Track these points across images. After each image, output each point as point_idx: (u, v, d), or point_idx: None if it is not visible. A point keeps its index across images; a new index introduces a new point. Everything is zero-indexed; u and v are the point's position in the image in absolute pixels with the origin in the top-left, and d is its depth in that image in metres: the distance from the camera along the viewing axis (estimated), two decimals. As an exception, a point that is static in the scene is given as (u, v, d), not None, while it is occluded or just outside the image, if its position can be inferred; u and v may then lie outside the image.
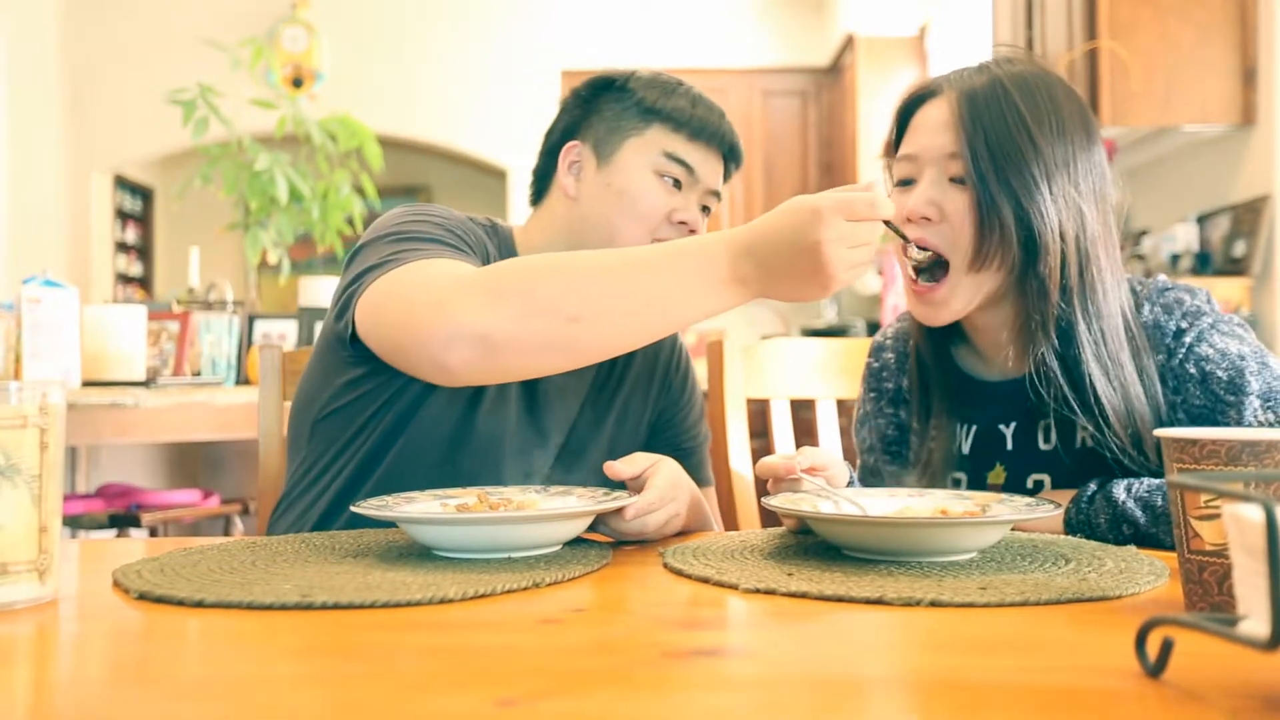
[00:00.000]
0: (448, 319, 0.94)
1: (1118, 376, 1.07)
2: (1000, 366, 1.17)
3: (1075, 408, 1.07)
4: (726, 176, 1.29)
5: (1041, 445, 1.14)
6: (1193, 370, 1.06)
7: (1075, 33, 2.85)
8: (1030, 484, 1.14)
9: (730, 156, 1.27)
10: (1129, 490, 1.01)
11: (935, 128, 1.09)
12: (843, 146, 5.09)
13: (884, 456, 1.27)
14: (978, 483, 1.17)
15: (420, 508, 0.95)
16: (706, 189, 1.24)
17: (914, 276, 1.11)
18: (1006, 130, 1.06)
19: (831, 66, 5.35)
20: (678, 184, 1.22)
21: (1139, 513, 0.99)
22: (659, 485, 0.99)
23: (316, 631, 0.67)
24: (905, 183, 1.12)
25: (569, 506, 0.96)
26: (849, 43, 4.94)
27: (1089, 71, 2.77)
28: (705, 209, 1.26)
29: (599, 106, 1.25)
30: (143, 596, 0.75)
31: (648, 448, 1.28)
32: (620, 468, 1.00)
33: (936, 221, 1.08)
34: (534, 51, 5.62)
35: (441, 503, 0.98)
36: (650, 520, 0.98)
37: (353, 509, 0.91)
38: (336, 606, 0.71)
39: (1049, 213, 1.05)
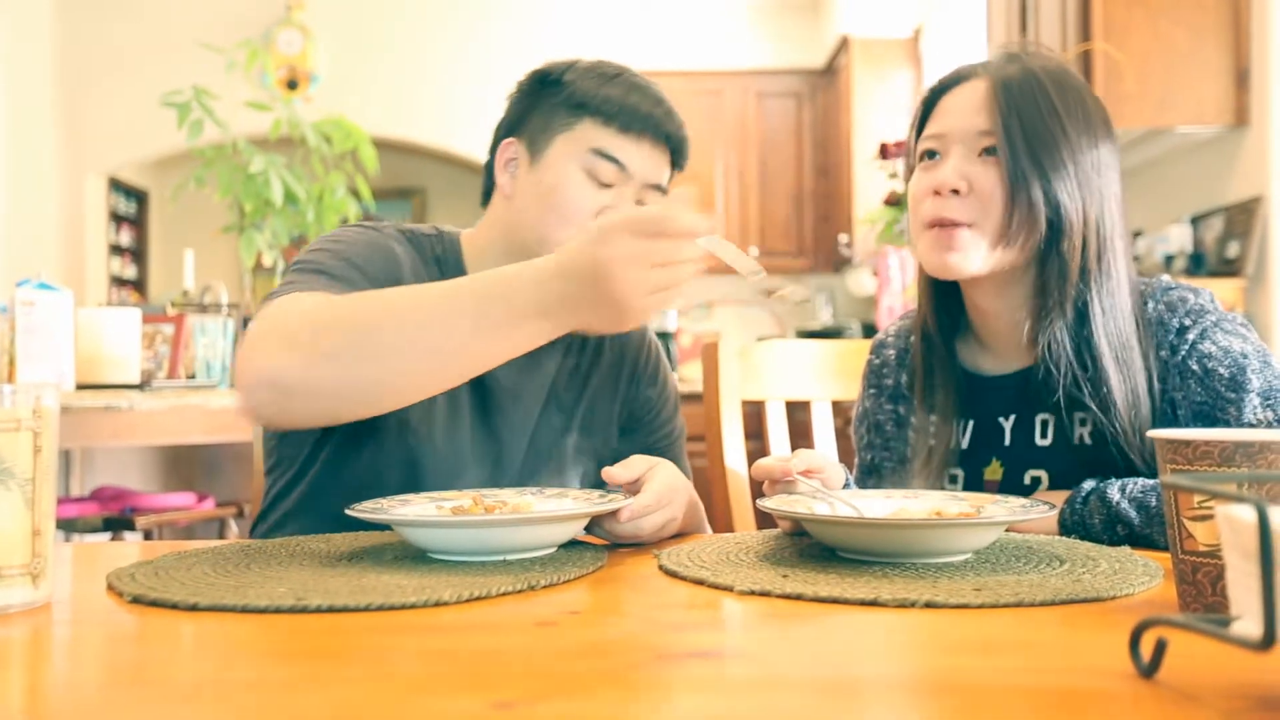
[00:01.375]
0: (249, 363, 0.94)
1: (1126, 362, 1.09)
2: (1004, 358, 1.18)
3: (1085, 390, 1.08)
4: (678, 166, 1.22)
5: (1039, 441, 1.14)
6: (1195, 366, 1.07)
7: (1069, 34, 2.85)
8: (1028, 480, 1.14)
9: (672, 147, 1.19)
10: (1123, 491, 1.01)
11: (967, 107, 1.12)
12: (837, 148, 5.10)
13: (883, 452, 1.28)
14: (974, 479, 1.17)
15: (415, 510, 0.95)
16: (645, 184, 1.17)
17: (935, 225, 1.11)
18: (1039, 113, 1.09)
19: (826, 68, 5.36)
20: (611, 183, 1.15)
21: (1133, 513, 0.99)
22: (655, 489, 0.99)
23: (313, 634, 0.67)
24: (930, 155, 1.14)
25: (563, 509, 0.96)
26: (844, 44, 4.95)
27: (1083, 73, 2.77)
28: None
29: (534, 103, 1.19)
30: (137, 600, 0.75)
31: (621, 448, 1.27)
32: (617, 472, 1.00)
33: (965, 194, 1.10)
34: (530, 53, 5.61)
35: (436, 505, 0.98)
36: (645, 524, 0.98)
37: (347, 512, 0.91)
38: (331, 609, 0.71)
39: (1075, 194, 1.08)
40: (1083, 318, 1.09)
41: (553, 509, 0.97)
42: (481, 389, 1.18)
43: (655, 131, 1.16)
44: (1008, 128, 1.08)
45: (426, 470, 1.15)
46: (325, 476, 1.16)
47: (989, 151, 1.10)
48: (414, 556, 0.90)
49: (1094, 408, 1.08)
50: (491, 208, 1.24)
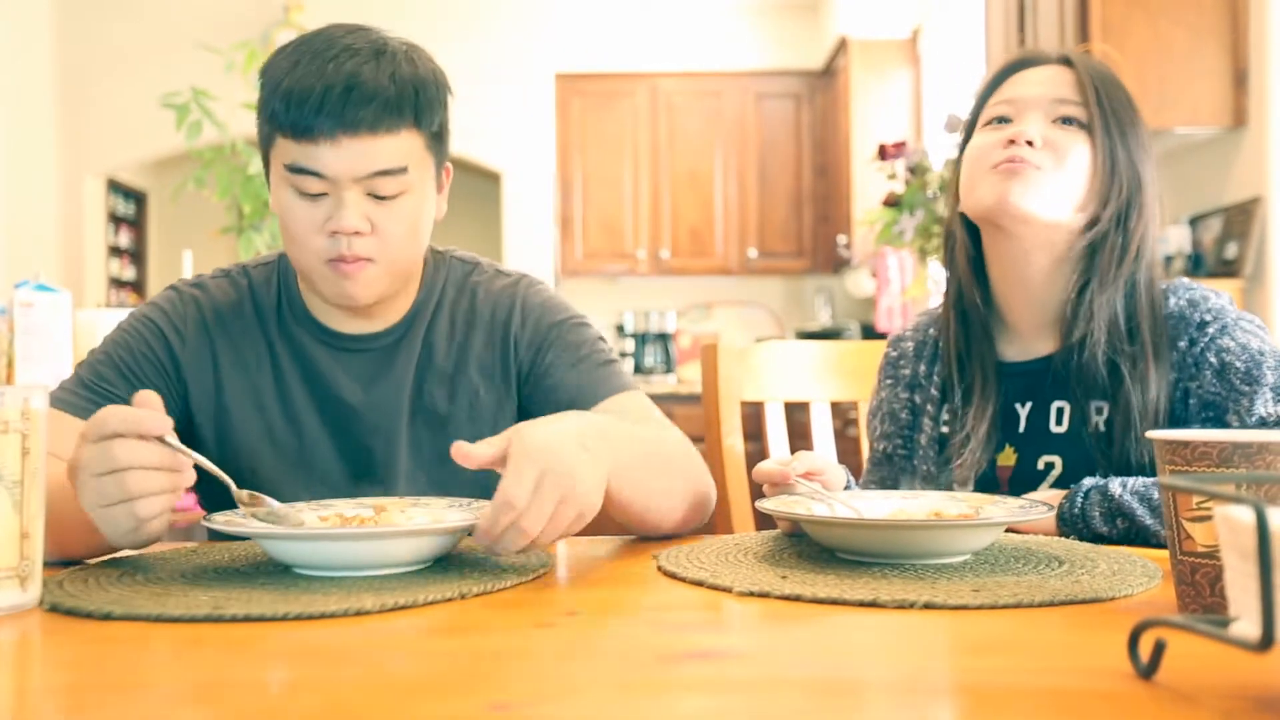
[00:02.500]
0: None
1: (1158, 345, 1.11)
2: (1027, 343, 1.19)
3: (1123, 367, 1.11)
4: (420, 125, 1.04)
5: (1054, 427, 1.15)
6: (1212, 359, 1.09)
7: (1067, 35, 2.85)
8: (1041, 465, 1.16)
9: (377, 121, 1.00)
10: (1125, 486, 1.02)
11: (1044, 79, 1.16)
12: (836, 149, 5.09)
13: (896, 440, 1.28)
14: (988, 467, 1.18)
15: (259, 525, 0.88)
16: (357, 178, 1.01)
17: (1005, 162, 1.12)
18: (1121, 97, 1.15)
19: (825, 69, 5.35)
20: (323, 192, 1.02)
21: (1136, 505, 1.00)
22: (506, 485, 0.78)
23: (309, 637, 0.67)
24: (1001, 120, 1.17)
25: (414, 524, 0.90)
26: (842, 45, 4.95)
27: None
28: (383, 196, 1.03)
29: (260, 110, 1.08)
30: (54, 609, 0.74)
31: (536, 408, 1.14)
32: (470, 450, 0.81)
33: (1039, 148, 1.13)
34: (527, 54, 5.62)
35: (319, 515, 0.93)
36: (510, 538, 0.79)
37: (203, 522, 0.90)
38: (248, 619, 0.70)
39: (1150, 174, 1.15)
40: (1130, 296, 1.13)
41: (421, 523, 0.90)
42: (333, 407, 1.15)
43: (340, 122, 0.99)
44: (1099, 101, 1.13)
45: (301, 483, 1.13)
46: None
47: (1066, 121, 1.13)
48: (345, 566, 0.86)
49: (1122, 389, 1.10)
50: None
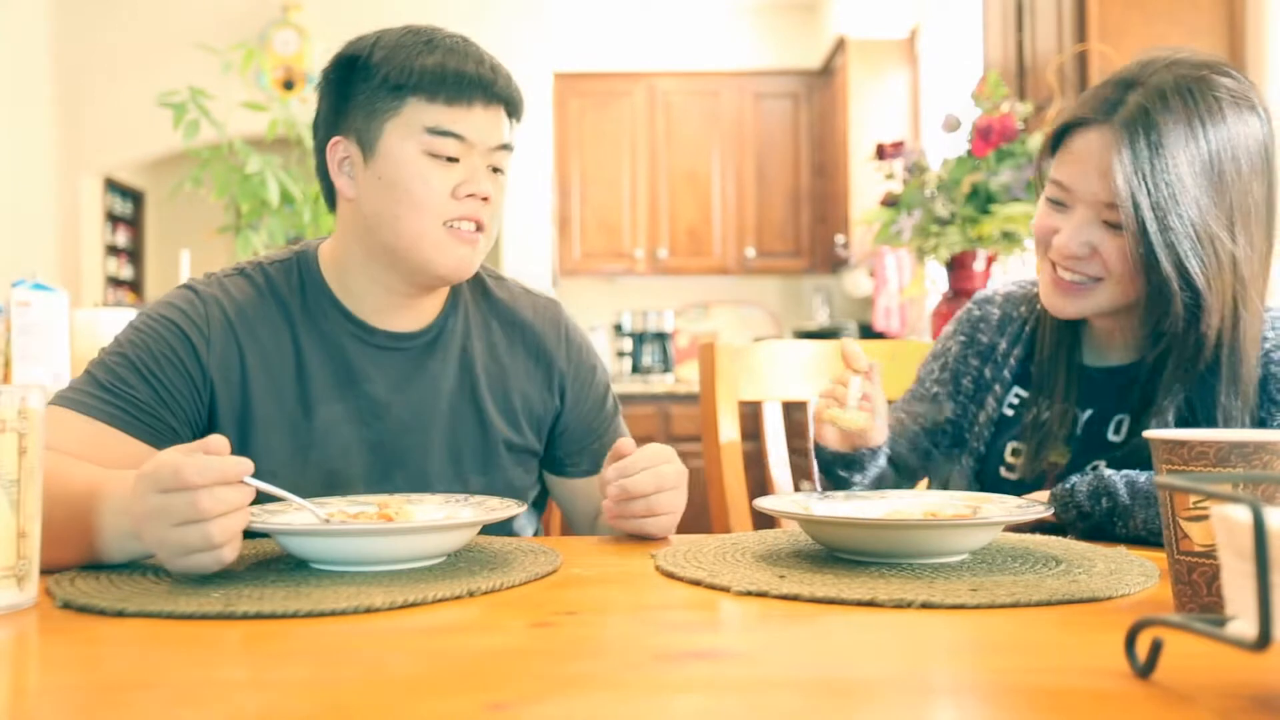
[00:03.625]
0: None
1: (1242, 407, 1.08)
2: (1105, 354, 1.19)
3: (1182, 414, 1.09)
4: (516, 118, 1.15)
5: (1111, 436, 1.16)
6: (1265, 374, 1.09)
7: (1065, 35, 2.86)
8: (1088, 469, 1.16)
9: (506, 104, 1.12)
10: (1118, 470, 1.04)
11: (1091, 168, 1.07)
12: (834, 149, 5.09)
13: (946, 390, 1.27)
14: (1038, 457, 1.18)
15: (286, 519, 0.89)
16: (490, 148, 1.11)
17: (1061, 276, 1.11)
18: (1168, 176, 1.02)
19: (823, 69, 5.35)
20: (455, 156, 1.09)
21: (1120, 485, 1.01)
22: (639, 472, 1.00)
23: (317, 634, 0.67)
24: (1056, 203, 1.12)
25: (431, 520, 0.91)
26: (840, 45, 4.95)
27: (1079, 74, 2.78)
28: (497, 169, 1.12)
29: (350, 90, 1.11)
30: (66, 605, 0.74)
31: (553, 452, 1.25)
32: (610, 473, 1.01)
33: (1088, 258, 1.09)
34: (526, 54, 5.61)
35: (328, 513, 0.93)
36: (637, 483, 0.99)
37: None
38: (259, 616, 0.70)
39: (1216, 264, 1.03)
40: (1208, 376, 1.08)
41: (437, 519, 0.91)
42: (364, 403, 1.14)
43: (486, 94, 1.09)
44: (1136, 205, 1.02)
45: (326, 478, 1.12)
46: None
47: (1113, 226, 1.06)
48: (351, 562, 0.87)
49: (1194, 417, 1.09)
50: (340, 214, 1.16)
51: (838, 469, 1.16)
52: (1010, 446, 1.20)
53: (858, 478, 1.16)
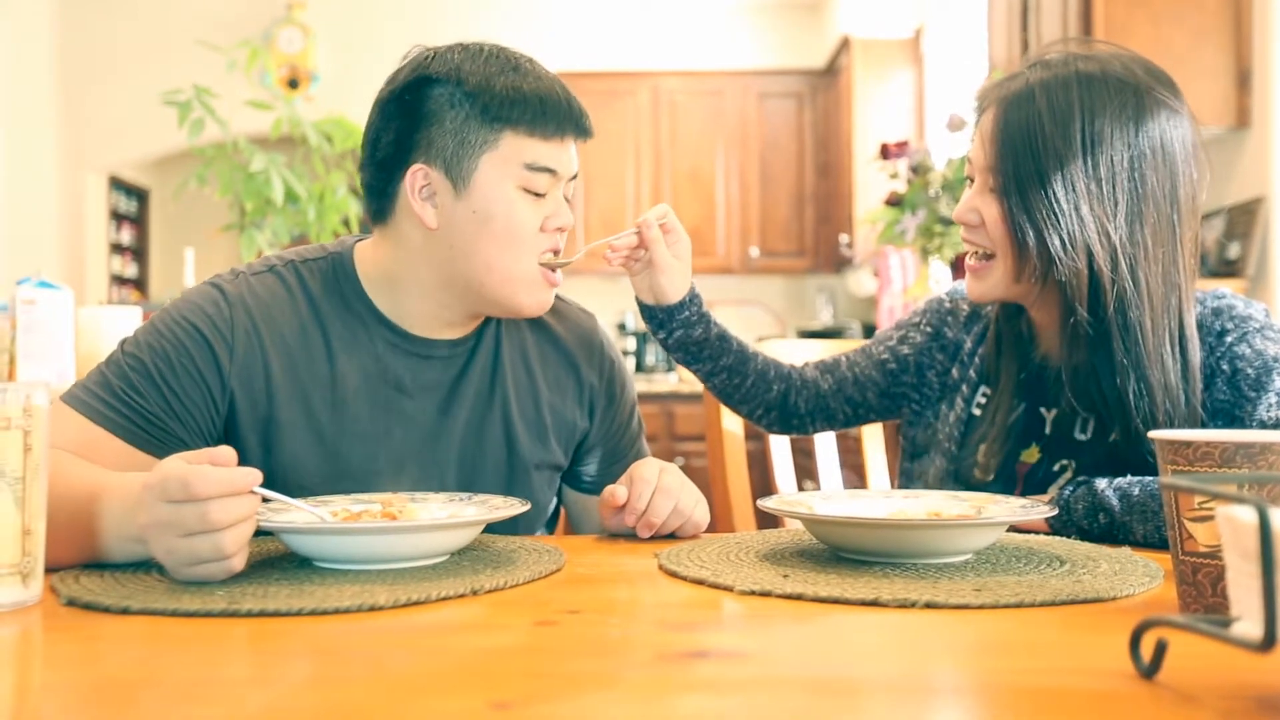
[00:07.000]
0: None
1: (1148, 384, 1.08)
2: (1055, 354, 1.20)
3: (1107, 409, 1.11)
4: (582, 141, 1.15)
5: (1078, 435, 1.17)
6: (1225, 367, 1.09)
7: (1070, 35, 2.85)
8: (1056, 467, 1.17)
9: (583, 133, 1.12)
10: (1110, 483, 1.03)
11: (980, 139, 1.15)
12: (838, 148, 5.09)
13: (891, 366, 1.30)
14: (1012, 459, 1.19)
15: (289, 517, 0.89)
16: (568, 179, 1.12)
17: (970, 258, 1.17)
18: (1030, 148, 1.08)
19: (827, 69, 5.35)
20: (545, 189, 1.09)
21: (1114, 501, 1.01)
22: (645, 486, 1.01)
23: (321, 632, 0.67)
24: (970, 182, 1.18)
25: (434, 519, 0.91)
26: (844, 45, 4.94)
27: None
28: (566, 198, 1.14)
29: (434, 115, 1.06)
30: (71, 603, 0.74)
31: (575, 468, 1.26)
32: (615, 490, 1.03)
33: (976, 225, 1.14)
34: (529, 53, 5.64)
35: (331, 511, 0.93)
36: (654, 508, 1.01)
37: None
38: (263, 614, 0.70)
39: (1070, 234, 1.07)
40: (1103, 345, 1.09)
41: (440, 518, 0.91)
42: (398, 410, 1.12)
43: (575, 127, 1.10)
44: (1002, 171, 1.10)
45: (348, 471, 1.10)
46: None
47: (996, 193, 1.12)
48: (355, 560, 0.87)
49: (1116, 426, 1.10)
50: (399, 230, 1.11)
51: (648, 322, 1.23)
52: (982, 448, 1.20)
53: (660, 334, 1.23)
